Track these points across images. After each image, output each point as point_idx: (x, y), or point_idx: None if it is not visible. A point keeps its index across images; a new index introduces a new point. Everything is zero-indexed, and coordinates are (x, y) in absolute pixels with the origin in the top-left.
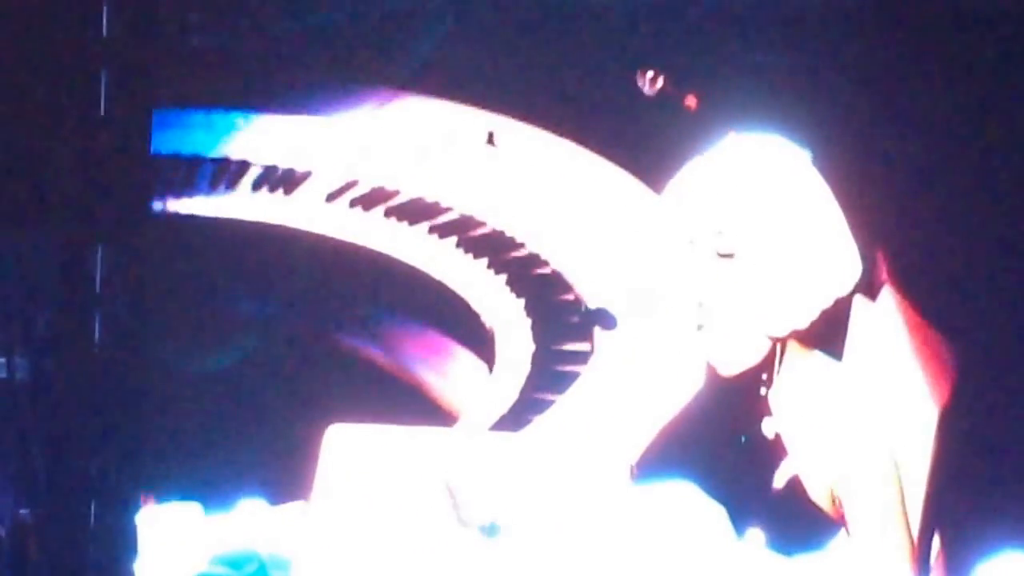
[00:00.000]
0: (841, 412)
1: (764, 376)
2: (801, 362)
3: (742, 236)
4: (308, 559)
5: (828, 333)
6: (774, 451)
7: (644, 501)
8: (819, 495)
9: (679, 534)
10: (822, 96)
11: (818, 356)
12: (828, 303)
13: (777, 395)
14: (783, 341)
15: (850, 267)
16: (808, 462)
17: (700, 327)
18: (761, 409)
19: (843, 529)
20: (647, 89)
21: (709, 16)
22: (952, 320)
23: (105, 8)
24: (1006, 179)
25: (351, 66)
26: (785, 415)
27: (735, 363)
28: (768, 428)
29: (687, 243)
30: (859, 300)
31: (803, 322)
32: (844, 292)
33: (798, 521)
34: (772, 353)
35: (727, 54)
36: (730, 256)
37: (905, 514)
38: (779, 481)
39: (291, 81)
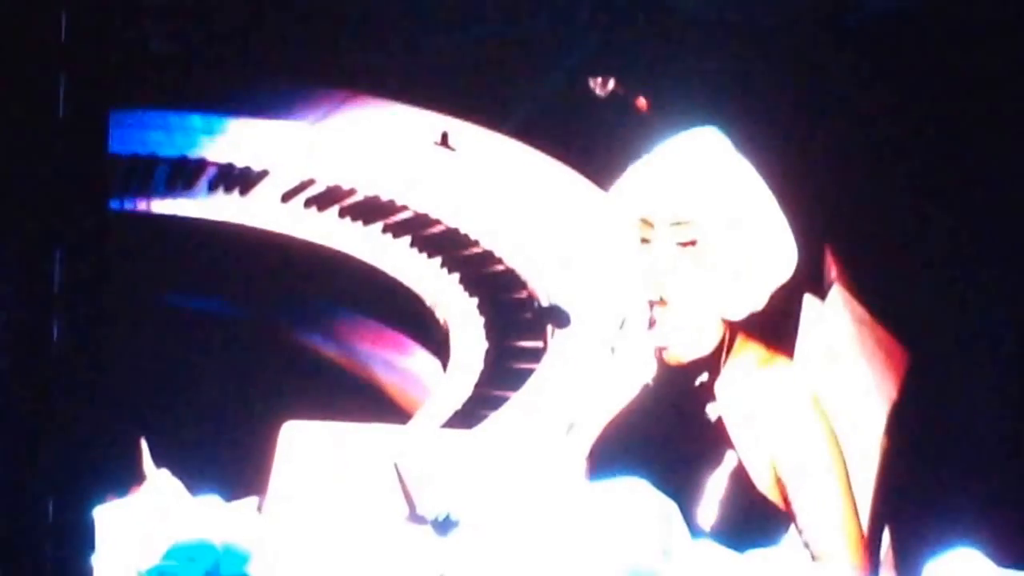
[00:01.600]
0: (785, 402)
1: (711, 366)
2: (747, 353)
3: (700, 225)
4: (264, 555)
5: (778, 331)
6: (720, 442)
7: (597, 497)
8: (765, 486)
9: (632, 530)
10: (771, 99)
11: (763, 348)
12: (776, 285)
13: (723, 385)
14: (731, 332)
15: (790, 251)
16: (753, 452)
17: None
18: (707, 399)
19: (792, 521)
20: (598, 90)
21: (659, 19)
22: (902, 318)
23: (64, 12)
24: (956, 177)
25: (306, 67)
26: (730, 404)
27: (685, 353)
28: (712, 415)
29: (642, 237)
30: (809, 299)
31: (758, 304)
32: (787, 275)
33: (746, 512)
34: (720, 344)
35: (677, 57)
36: (692, 243)
37: (853, 506)
38: (725, 472)
39: (248, 82)
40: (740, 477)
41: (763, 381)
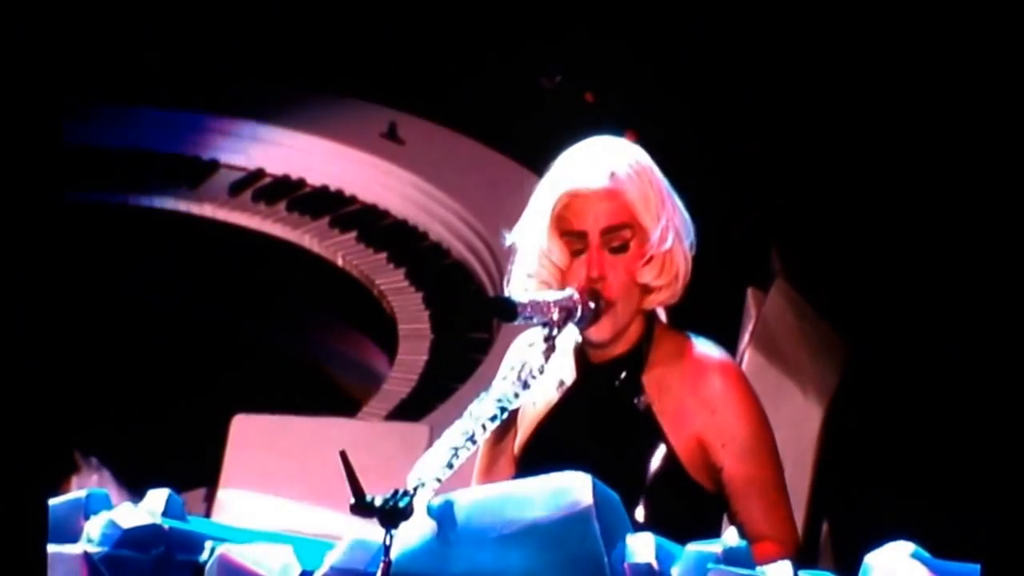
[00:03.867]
0: (711, 386)
1: (636, 359)
2: (669, 342)
3: (629, 228)
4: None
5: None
6: (650, 432)
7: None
8: (699, 472)
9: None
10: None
11: (682, 336)
12: (688, 279)
13: (649, 377)
14: (652, 323)
15: (694, 247)
16: (684, 439)
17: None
18: (635, 391)
19: (726, 507)
20: (546, 84)
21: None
22: (844, 313)
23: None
24: (900, 173)
25: (258, 63)
26: (658, 394)
27: (611, 349)
28: (642, 408)
29: (575, 250)
30: (752, 292)
31: (676, 297)
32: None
33: (681, 501)
34: (642, 336)
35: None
36: (624, 247)
37: (783, 487)
38: (657, 462)
39: (198, 76)
40: (673, 465)
41: (688, 368)
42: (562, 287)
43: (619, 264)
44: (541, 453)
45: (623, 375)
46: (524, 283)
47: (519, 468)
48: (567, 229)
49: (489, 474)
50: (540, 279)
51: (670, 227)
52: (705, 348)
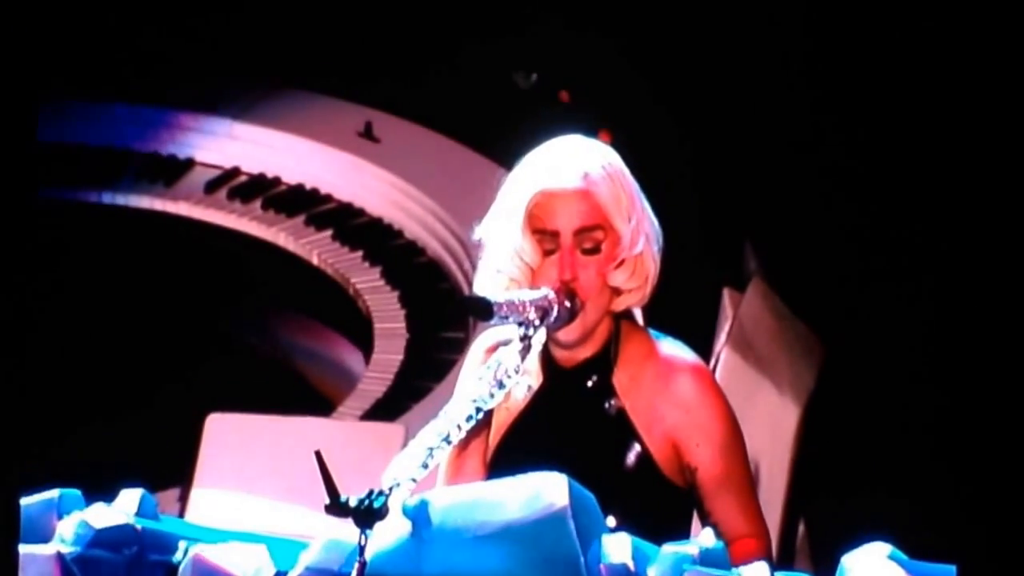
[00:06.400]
0: (685, 391)
1: (606, 360)
2: (637, 342)
3: (601, 229)
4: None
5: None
6: (624, 434)
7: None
8: (673, 473)
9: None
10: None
11: (652, 335)
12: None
13: (619, 377)
14: (619, 324)
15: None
16: (657, 439)
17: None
18: (606, 393)
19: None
20: (521, 84)
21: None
22: (821, 313)
23: None
24: (876, 174)
25: (234, 61)
26: (629, 396)
27: (581, 352)
28: (614, 411)
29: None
30: (729, 292)
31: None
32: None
33: (656, 501)
34: (609, 337)
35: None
36: (596, 248)
37: (753, 486)
38: (631, 462)
39: (174, 74)
40: (648, 466)
41: (658, 368)
42: (532, 285)
43: (591, 265)
44: (512, 459)
45: (593, 378)
46: (493, 280)
47: (490, 474)
48: (539, 228)
49: (456, 479)
50: (510, 276)
51: (640, 230)
52: (673, 348)
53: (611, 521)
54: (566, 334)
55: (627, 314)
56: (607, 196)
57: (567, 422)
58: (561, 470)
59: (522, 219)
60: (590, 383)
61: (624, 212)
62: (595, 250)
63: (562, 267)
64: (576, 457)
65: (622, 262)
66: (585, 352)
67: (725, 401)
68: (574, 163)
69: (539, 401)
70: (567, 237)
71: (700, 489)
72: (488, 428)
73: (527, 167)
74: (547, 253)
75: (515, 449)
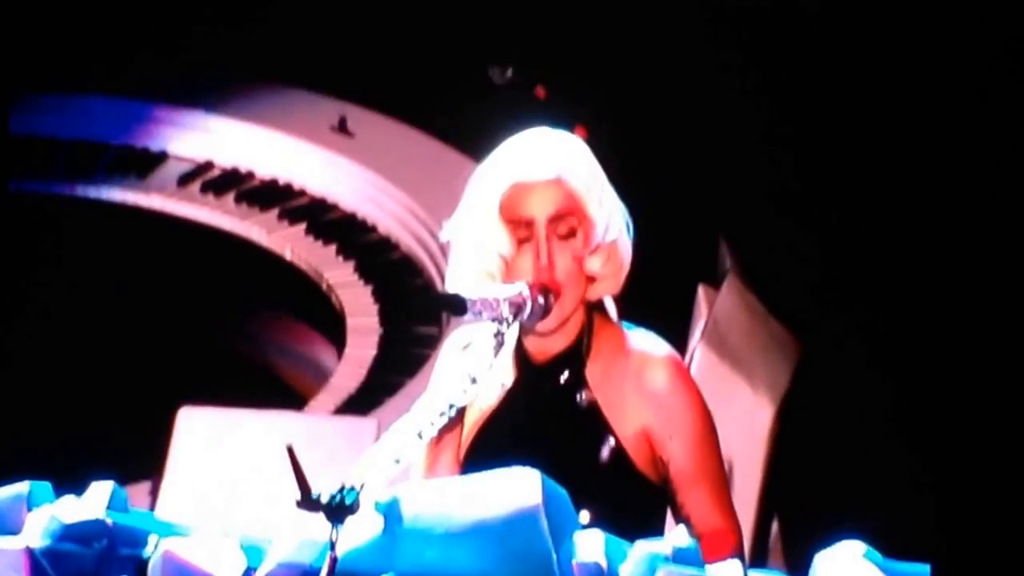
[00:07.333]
0: (658, 384)
1: (578, 352)
2: (609, 334)
3: (575, 216)
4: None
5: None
6: (596, 427)
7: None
8: (647, 467)
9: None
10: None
11: (624, 328)
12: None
13: (593, 371)
14: (592, 315)
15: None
16: (629, 432)
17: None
18: (578, 387)
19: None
20: (497, 78)
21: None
22: (796, 310)
23: None
24: (853, 170)
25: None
26: (602, 389)
27: (554, 343)
28: (586, 403)
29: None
30: (703, 289)
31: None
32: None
33: (630, 496)
34: (582, 329)
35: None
36: (571, 235)
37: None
38: (604, 456)
39: (148, 67)
40: (621, 459)
41: (632, 361)
42: (506, 277)
43: (566, 251)
44: (485, 454)
45: (565, 372)
46: (466, 274)
47: (464, 470)
48: (513, 217)
49: (430, 475)
50: (484, 270)
51: (613, 218)
52: (646, 340)
53: (585, 516)
54: (543, 323)
55: (600, 307)
56: (580, 183)
57: (539, 417)
58: (534, 465)
59: (496, 210)
60: (562, 378)
61: (597, 199)
62: (570, 235)
63: (537, 253)
64: (549, 452)
65: (597, 248)
66: (558, 345)
67: (699, 393)
68: (545, 153)
69: (511, 396)
70: (541, 225)
71: (673, 482)
72: (461, 425)
73: (497, 158)
74: (521, 242)
75: (488, 445)
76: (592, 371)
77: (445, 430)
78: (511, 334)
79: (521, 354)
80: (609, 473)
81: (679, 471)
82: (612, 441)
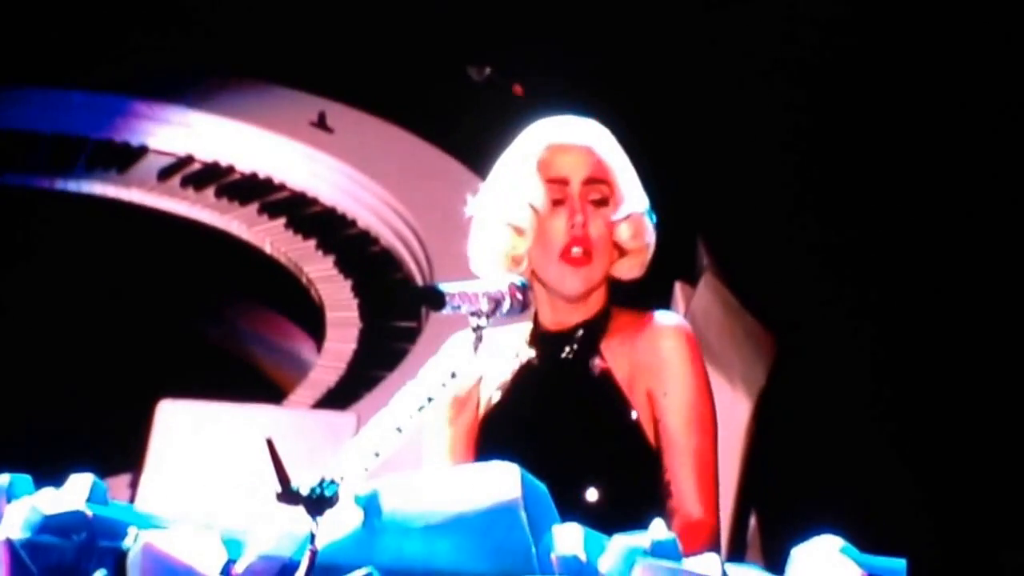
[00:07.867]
0: (664, 345)
1: (595, 329)
2: (631, 316)
3: (609, 184)
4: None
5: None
6: (609, 396)
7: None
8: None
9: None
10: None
11: (648, 311)
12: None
13: (608, 344)
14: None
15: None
16: (641, 402)
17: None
18: (592, 355)
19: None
20: (475, 76)
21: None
22: (771, 307)
23: None
24: (830, 168)
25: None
26: (616, 359)
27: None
28: (598, 372)
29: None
30: (680, 285)
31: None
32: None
33: (641, 465)
34: (605, 303)
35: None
36: (604, 202)
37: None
38: (617, 424)
39: (128, 61)
40: (634, 429)
41: (645, 331)
42: (536, 235)
43: (598, 218)
44: (503, 429)
45: (581, 343)
46: (492, 234)
47: (480, 445)
48: (549, 176)
49: (452, 456)
50: (517, 226)
51: (640, 195)
52: (665, 316)
53: (593, 494)
54: (570, 287)
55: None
56: (609, 155)
57: (554, 387)
58: (550, 438)
59: (534, 166)
60: (577, 346)
61: (625, 172)
62: (602, 203)
63: (572, 212)
64: (563, 420)
65: (628, 217)
66: (576, 317)
67: (702, 367)
68: (576, 124)
69: (527, 368)
70: (576, 186)
71: (662, 442)
72: (477, 397)
73: (529, 133)
74: (556, 204)
75: (505, 420)
76: (609, 343)
77: (458, 409)
78: (521, 322)
79: (537, 330)
80: (621, 443)
81: (669, 439)
82: (625, 411)
